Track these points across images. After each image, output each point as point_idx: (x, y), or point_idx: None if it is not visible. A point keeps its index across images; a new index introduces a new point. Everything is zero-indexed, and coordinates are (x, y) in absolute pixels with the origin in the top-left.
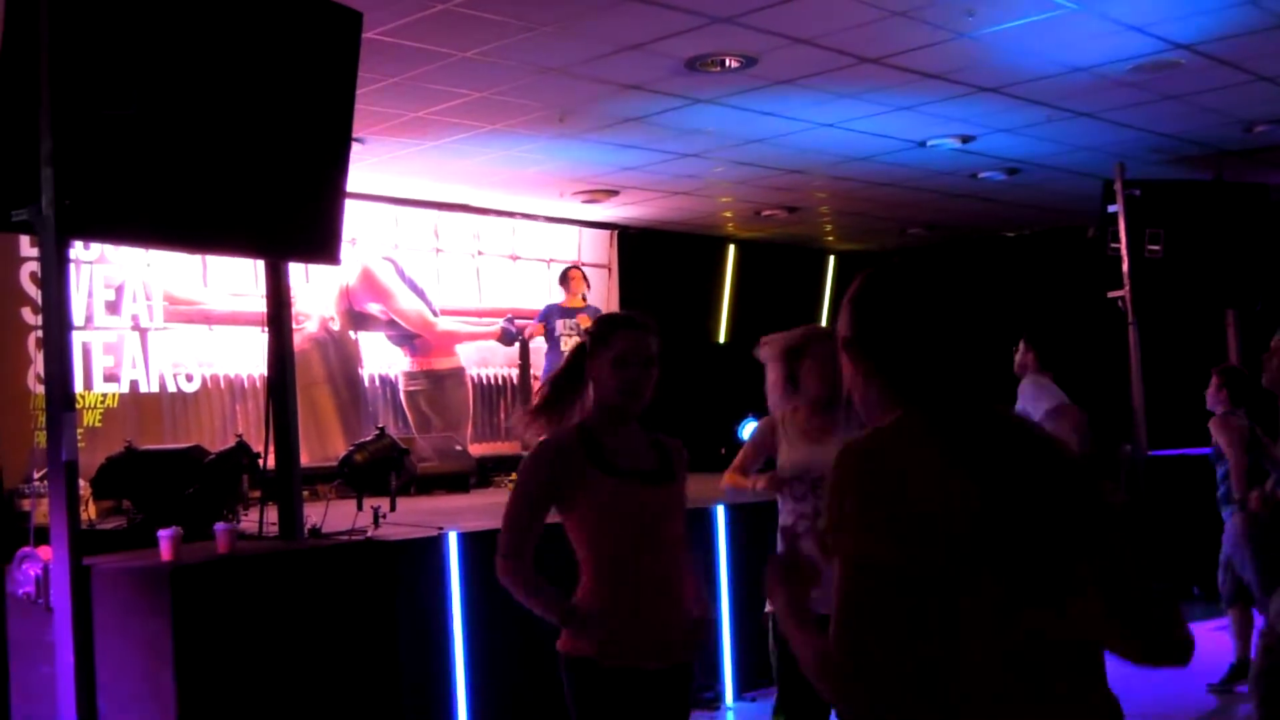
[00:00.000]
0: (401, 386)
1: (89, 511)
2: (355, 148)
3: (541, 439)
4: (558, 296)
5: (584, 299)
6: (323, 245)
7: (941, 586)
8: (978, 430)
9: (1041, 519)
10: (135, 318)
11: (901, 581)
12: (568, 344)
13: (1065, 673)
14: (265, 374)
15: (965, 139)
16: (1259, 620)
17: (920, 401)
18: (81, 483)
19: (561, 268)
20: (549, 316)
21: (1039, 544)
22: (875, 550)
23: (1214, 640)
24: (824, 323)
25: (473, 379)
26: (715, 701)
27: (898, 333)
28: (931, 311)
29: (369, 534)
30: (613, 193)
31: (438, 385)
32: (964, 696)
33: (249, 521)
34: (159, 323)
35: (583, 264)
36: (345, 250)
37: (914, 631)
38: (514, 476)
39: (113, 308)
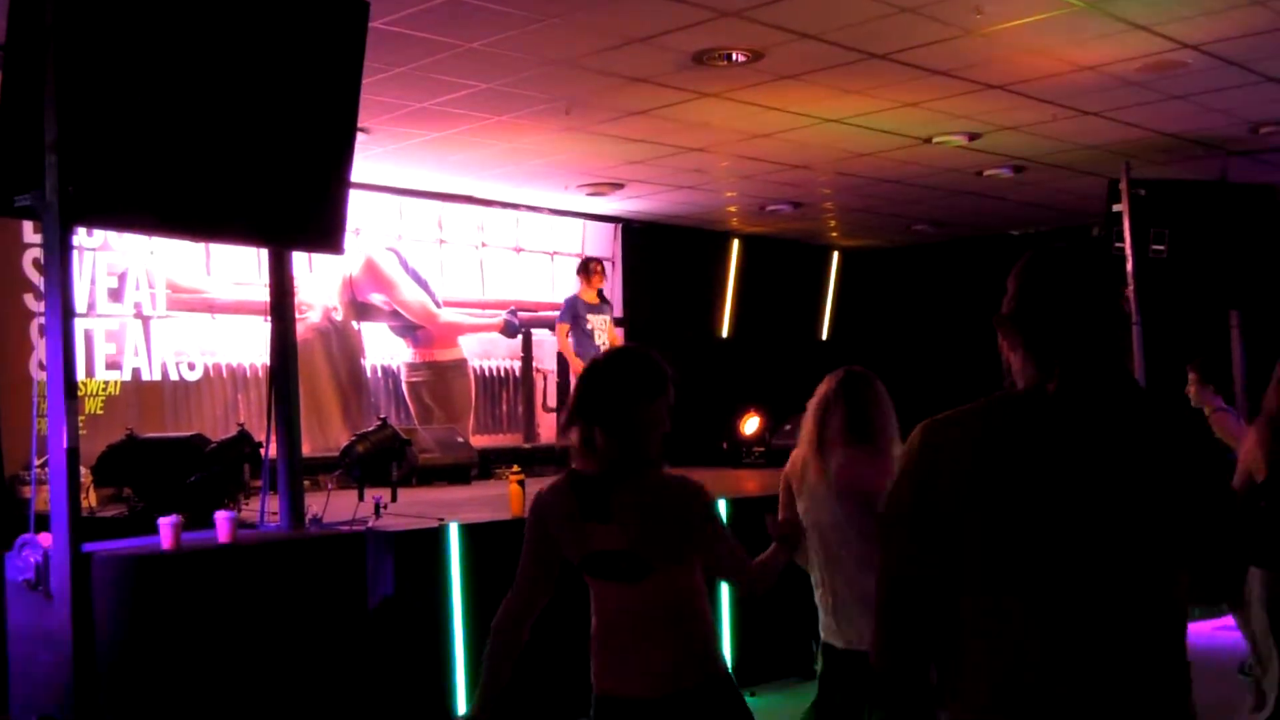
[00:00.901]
0: (404, 377)
1: (90, 499)
2: (360, 138)
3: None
4: (561, 289)
5: (599, 295)
6: (326, 235)
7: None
8: (1097, 409)
9: (1121, 501)
10: (138, 305)
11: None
12: (602, 337)
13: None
14: (267, 363)
15: (971, 136)
16: None
17: (1053, 375)
18: (82, 470)
19: (564, 260)
20: (576, 311)
21: (1108, 525)
22: (918, 510)
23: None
24: (826, 321)
25: (475, 371)
26: None
27: (1038, 311)
28: (1070, 295)
29: (370, 524)
30: (617, 186)
31: (440, 377)
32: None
33: (250, 511)
34: (162, 311)
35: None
36: (349, 240)
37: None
38: (515, 469)
39: (115, 295)
